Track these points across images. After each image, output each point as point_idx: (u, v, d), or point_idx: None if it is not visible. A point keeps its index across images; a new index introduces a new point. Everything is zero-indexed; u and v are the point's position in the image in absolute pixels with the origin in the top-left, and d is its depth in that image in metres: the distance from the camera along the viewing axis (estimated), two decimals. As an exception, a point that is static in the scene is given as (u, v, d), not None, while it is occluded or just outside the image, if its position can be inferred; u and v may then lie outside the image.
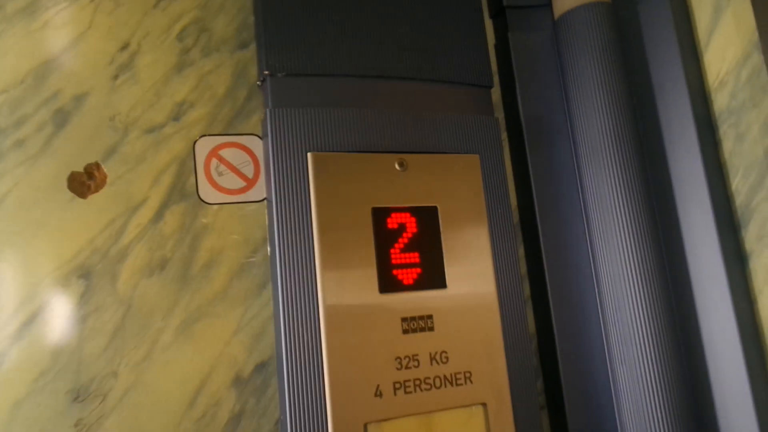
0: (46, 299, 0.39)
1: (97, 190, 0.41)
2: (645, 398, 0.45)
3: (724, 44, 0.47)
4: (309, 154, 0.44)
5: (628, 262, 0.47)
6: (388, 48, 0.48)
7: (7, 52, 0.40)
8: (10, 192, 0.39)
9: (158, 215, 0.42)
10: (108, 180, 0.41)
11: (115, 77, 0.43)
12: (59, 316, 0.39)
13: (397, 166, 0.46)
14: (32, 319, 0.38)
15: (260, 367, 0.42)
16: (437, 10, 0.51)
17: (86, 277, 0.40)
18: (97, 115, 0.42)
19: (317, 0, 0.46)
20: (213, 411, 0.41)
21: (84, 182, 0.41)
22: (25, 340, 0.38)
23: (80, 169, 0.41)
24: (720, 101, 0.48)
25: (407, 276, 0.45)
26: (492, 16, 0.56)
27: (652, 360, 0.45)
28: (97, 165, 0.41)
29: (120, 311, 0.40)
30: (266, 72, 0.44)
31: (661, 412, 0.45)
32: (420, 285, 0.45)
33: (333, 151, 0.45)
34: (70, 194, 0.40)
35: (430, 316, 0.45)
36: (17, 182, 0.39)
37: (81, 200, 0.41)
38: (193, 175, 0.43)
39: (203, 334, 0.41)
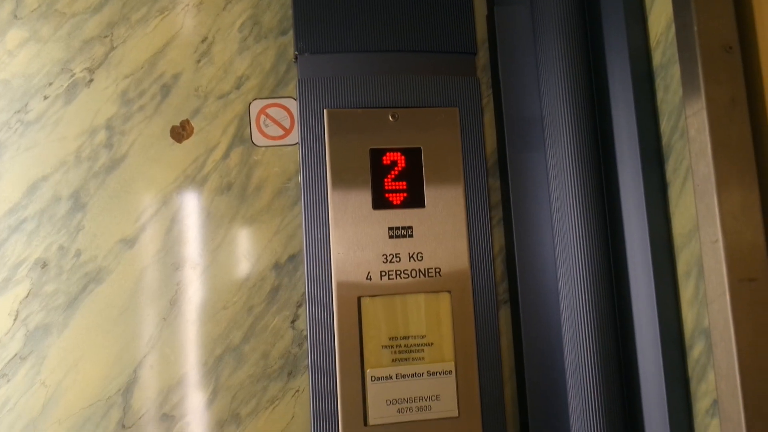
0: (158, 206, 0.61)
1: (188, 137, 0.63)
2: (577, 292, 0.59)
3: (660, 10, 0.57)
4: (325, 111, 0.62)
5: (572, 186, 0.60)
6: (386, 28, 0.64)
7: (132, 49, 0.63)
8: (136, 140, 0.62)
9: (226, 154, 0.63)
10: (194, 131, 0.63)
11: (198, 61, 0.63)
12: (166, 217, 0.61)
13: (390, 118, 0.63)
14: (151, 217, 0.61)
15: (291, 257, 0.62)
16: (431, -7, 0.65)
17: (181, 194, 0.62)
18: (187, 87, 0.63)
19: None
20: (260, 284, 0.62)
21: (180, 132, 0.62)
22: (148, 231, 0.61)
23: (177, 123, 0.62)
24: (656, 58, 0.58)
25: (396, 198, 0.62)
26: (485, -7, 0.69)
27: (583, 263, 0.58)
28: (188, 121, 0.63)
29: (202, 216, 0.62)
30: (296, 52, 0.63)
31: (588, 301, 0.58)
32: (405, 205, 0.62)
33: (342, 108, 0.62)
34: (171, 140, 0.62)
35: (410, 227, 0.61)
36: (141, 133, 0.62)
37: (178, 144, 0.62)
38: (249, 126, 0.63)
39: (254, 233, 0.62)
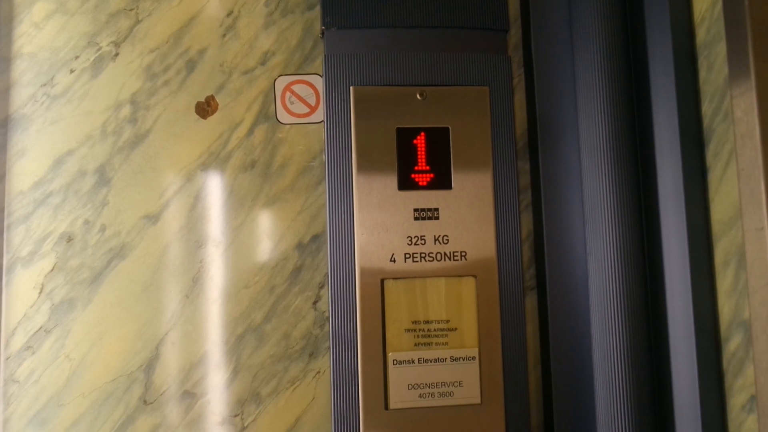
0: (182, 183, 0.61)
1: (212, 113, 0.62)
2: (608, 280, 0.57)
3: (706, -16, 0.54)
4: (351, 88, 0.60)
5: (606, 171, 0.57)
6: (415, 3, 0.62)
7: (158, 23, 0.62)
8: (161, 115, 0.61)
9: (250, 131, 0.62)
10: (219, 107, 0.62)
11: (224, 36, 0.62)
12: (190, 194, 0.61)
13: (418, 96, 0.61)
14: (175, 194, 0.61)
15: (315, 237, 0.61)
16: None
17: (205, 171, 0.61)
18: (212, 62, 0.62)
19: (361, -30, 0.61)
20: (283, 263, 0.61)
21: (204, 108, 0.62)
22: (171, 207, 0.60)
23: (202, 99, 0.62)
24: (700, 35, 0.55)
25: (422, 179, 0.60)
26: (518, -32, 0.66)
27: (615, 250, 0.56)
28: (213, 97, 0.62)
29: (225, 193, 0.61)
30: (323, 27, 0.61)
31: (619, 289, 0.56)
32: (431, 186, 0.60)
33: (369, 85, 0.61)
34: (196, 116, 0.62)
35: (436, 209, 0.60)
36: (165, 108, 0.61)
37: (203, 120, 0.62)
38: (273, 103, 0.62)
39: (277, 212, 0.61)
